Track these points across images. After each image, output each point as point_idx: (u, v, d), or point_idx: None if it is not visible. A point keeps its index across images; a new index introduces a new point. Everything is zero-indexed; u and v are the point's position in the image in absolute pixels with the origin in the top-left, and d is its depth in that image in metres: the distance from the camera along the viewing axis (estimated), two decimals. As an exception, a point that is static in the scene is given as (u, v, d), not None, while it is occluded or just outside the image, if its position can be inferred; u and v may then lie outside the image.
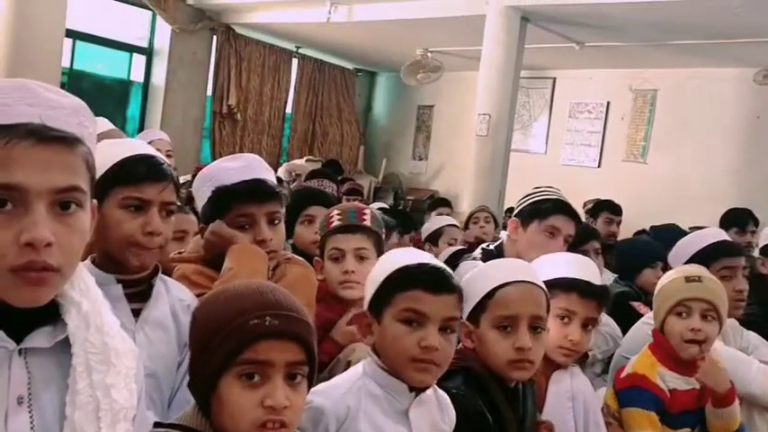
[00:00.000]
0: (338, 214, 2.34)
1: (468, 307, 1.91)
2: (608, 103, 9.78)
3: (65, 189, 1.04)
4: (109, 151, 1.69)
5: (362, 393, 1.60)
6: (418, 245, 4.44)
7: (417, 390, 1.62)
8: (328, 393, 1.58)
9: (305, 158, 9.71)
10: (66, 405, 1.06)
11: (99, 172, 1.58)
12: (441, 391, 1.70)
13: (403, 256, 1.71)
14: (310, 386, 1.33)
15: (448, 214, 5.97)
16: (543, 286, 1.93)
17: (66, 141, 1.04)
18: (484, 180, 7.36)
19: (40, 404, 1.06)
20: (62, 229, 1.03)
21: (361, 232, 2.32)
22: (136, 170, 1.69)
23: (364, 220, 2.34)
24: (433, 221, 4.97)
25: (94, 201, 1.13)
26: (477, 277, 1.95)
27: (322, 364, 2.11)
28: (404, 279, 1.62)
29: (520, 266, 2.00)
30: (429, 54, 9.64)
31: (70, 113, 1.07)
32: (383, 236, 2.46)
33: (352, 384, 1.62)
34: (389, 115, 12.32)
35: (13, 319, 1.05)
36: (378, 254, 2.34)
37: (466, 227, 5.33)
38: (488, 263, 2.11)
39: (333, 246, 2.31)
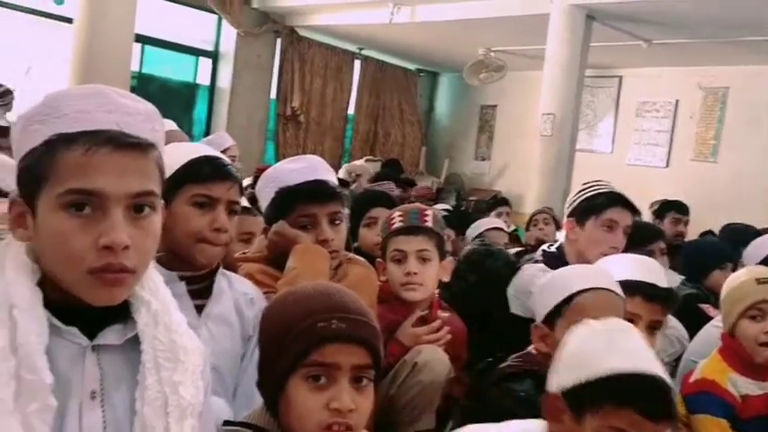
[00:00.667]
0: (400, 215, 2.35)
1: (544, 310, 1.90)
2: (677, 101, 9.55)
3: (140, 194, 1.07)
4: (178, 152, 1.76)
5: None
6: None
7: None
8: None
9: (364, 158, 9.73)
10: (136, 400, 1.10)
11: (168, 171, 1.66)
12: None
13: (616, 345, 1.42)
14: (376, 389, 1.33)
15: (507, 214, 5.90)
16: (621, 294, 1.90)
17: (142, 147, 1.08)
18: (548, 180, 7.28)
19: (111, 399, 1.10)
20: (137, 232, 1.07)
21: (423, 233, 2.31)
22: (205, 169, 1.75)
23: (426, 221, 2.34)
24: (477, 225, 4.79)
25: (162, 201, 1.16)
26: (555, 281, 1.93)
27: (387, 366, 2.13)
28: (620, 392, 1.36)
29: (599, 273, 1.98)
30: (492, 54, 9.57)
31: (144, 119, 1.10)
32: (445, 237, 2.46)
33: None
34: (452, 115, 12.27)
35: (86, 317, 1.09)
36: (440, 255, 2.34)
37: (527, 229, 5.28)
38: (569, 267, 2.09)
39: (395, 247, 2.32)
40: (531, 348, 1.96)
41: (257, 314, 1.63)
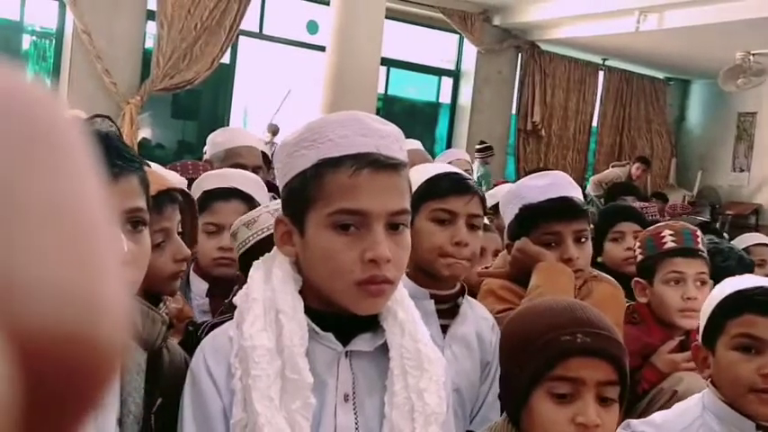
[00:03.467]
0: (671, 235, 2.24)
1: None
2: None
3: (397, 212, 1.15)
4: (421, 171, 1.83)
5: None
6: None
7: (765, 428, 1.48)
8: (667, 428, 1.52)
9: (610, 165, 9.42)
10: (385, 405, 1.16)
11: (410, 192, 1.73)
12: None
13: (737, 282, 1.59)
14: (621, 407, 1.29)
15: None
16: None
17: (397, 167, 1.15)
18: (818, 193, 6.62)
19: (362, 403, 1.17)
20: (394, 247, 1.14)
21: (699, 256, 2.22)
22: (442, 184, 1.78)
23: (699, 242, 2.24)
24: (741, 239, 4.42)
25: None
26: None
27: (642, 392, 2.04)
28: (735, 304, 1.51)
29: None
30: (751, 57, 8.87)
31: (394, 140, 1.17)
32: None
33: (693, 422, 1.53)
34: (705, 125, 11.55)
35: (340, 324, 1.17)
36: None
37: None
38: None
39: (672, 269, 2.21)
40: None
41: (497, 339, 1.64)
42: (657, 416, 1.58)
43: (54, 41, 7.40)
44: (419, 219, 1.74)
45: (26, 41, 7.60)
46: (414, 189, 1.73)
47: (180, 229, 1.56)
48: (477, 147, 8.44)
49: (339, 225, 1.12)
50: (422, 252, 1.74)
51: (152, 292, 1.44)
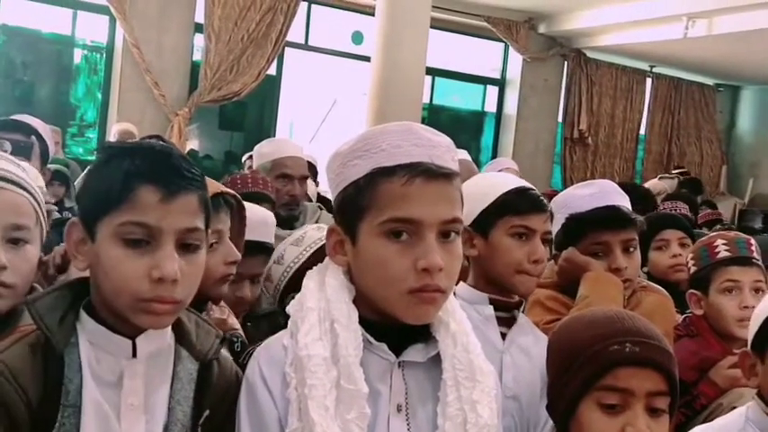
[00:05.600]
0: (724, 244, 2.21)
1: None
2: None
3: (449, 221, 1.15)
4: (489, 182, 1.82)
5: None
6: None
7: None
8: None
9: (658, 177, 9.26)
10: (438, 416, 1.16)
11: (483, 202, 1.71)
12: None
13: None
14: (672, 419, 1.27)
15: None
16: None
17: (449, 177, 1.16)
18: None
19: (415, 413, 1.17)
20: (446, 256, 1.14)
21: (755, 264, 2.18)
22: (523, 201, 1.76)
23: (753, 251, 2.20)
24: None
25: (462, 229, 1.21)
26: None
27: (701, 407, 2.01)
28: None
29: None
30: (803, 62, 8.70)
31: (446, 151, 1.18)
32: None
33: None
34: (756, 131, 11.32)
35: (392, 334, 1.17)
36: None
37: None
38: None
39: (727, 277, 2.17)
40: None
41: None
42: (697, 429, 1.55)
43: (105, 55, 7.56)
44: (496, 233, 1.73)
45: (78, 55, 7.79)
46: (483, 199, 1.74)
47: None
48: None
49: (391, 233, 1.12)
50: (498, 266, 1.73)
51: (198, 296, 1.45)
